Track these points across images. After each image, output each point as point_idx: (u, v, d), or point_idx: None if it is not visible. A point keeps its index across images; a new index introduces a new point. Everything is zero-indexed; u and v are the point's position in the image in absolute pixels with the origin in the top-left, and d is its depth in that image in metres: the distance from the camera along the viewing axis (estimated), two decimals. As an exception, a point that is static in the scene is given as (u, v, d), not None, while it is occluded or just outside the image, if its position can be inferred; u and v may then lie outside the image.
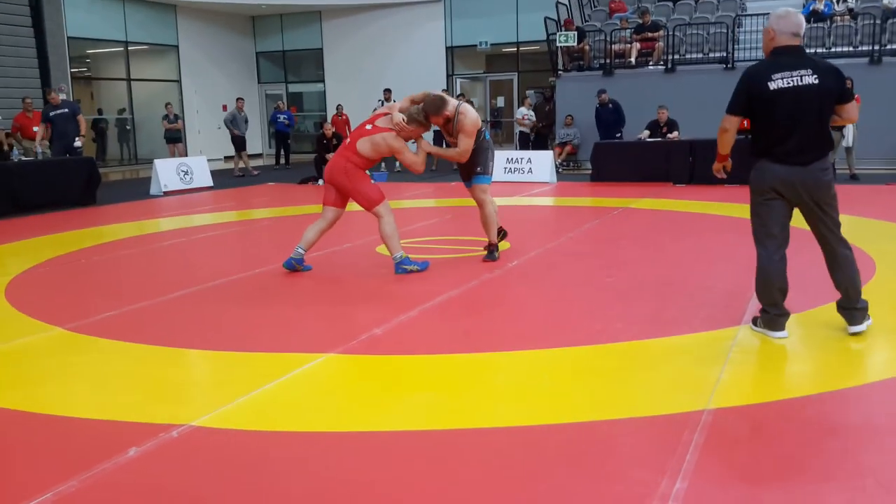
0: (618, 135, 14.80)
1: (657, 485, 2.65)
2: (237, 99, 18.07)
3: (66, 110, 12.38)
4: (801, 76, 3.96)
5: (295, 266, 6.32)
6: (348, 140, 6.36)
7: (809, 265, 5.14)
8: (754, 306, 4.86)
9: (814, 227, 4.17)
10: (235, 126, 17.09)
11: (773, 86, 3.96)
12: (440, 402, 3.52)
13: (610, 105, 14.94)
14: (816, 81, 3.96)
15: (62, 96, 13.27)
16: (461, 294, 5.48)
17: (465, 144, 6.21)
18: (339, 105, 19.30)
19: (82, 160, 12.40)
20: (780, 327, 4.24)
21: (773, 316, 4.24)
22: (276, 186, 14.25)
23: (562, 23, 17.26)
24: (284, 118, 18.70)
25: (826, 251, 4.22)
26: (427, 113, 6.08)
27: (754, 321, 4.42)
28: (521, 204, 10.78)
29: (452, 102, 6.23)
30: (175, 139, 17.17)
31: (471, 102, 16.97)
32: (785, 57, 4.02)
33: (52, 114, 12.23)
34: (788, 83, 3.95)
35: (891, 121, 13.79)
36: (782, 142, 4.00)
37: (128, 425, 3.29)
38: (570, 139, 16.24)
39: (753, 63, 4.18)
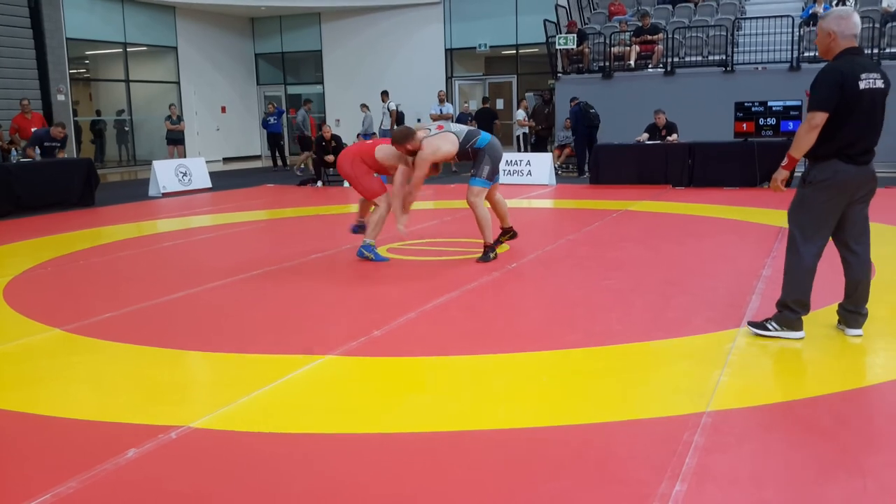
0: (567, 136, 15.91)
1: (657, 486, 2.65)
2: (304, 101, 18.10)
3: (58, 144, 12.25)
4: (875, 79, 4.02)
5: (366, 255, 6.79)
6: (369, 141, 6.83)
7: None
8: (754, 308, 4.88)
9: (853, 224, 4.22)
10: (305, 127, 17.20)
11: (861, 85, 3.97)
12: (440, 404, 3.52)
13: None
14: (883, 86, 4.06)
15: (60, 97, 13.27)
16: (461, 296, 5.48)
17: (414, 175, 6.44)
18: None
19: (82, 161, 12.38)
20: (801, 328, 4.25)
21: (797, 317, 4.23)
22: (274, 188, 14.25)
23: (561, 25, 17.28)
24: (273, 119, 18.70)
25: (846, 249, 4.26)
26: (393, 141, 6.43)
27: (762, 326, 4.31)
28: (521, 206, 10.79)
29: (420, 136, 6.46)
30: (177, 140, 17.16)
31: (460, 115, 17.03)
32: (861, 58, 4.07)
33: (46, 144, 12.05)
34: (867, 85, 3.99)
35: (889, 124, 13.72)
36: (856, 143, 4.03)
37: (127, 426, 3.28)
38: (570, 142, 16.25)
39: (831, 62, 4.08)
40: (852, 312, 4.29)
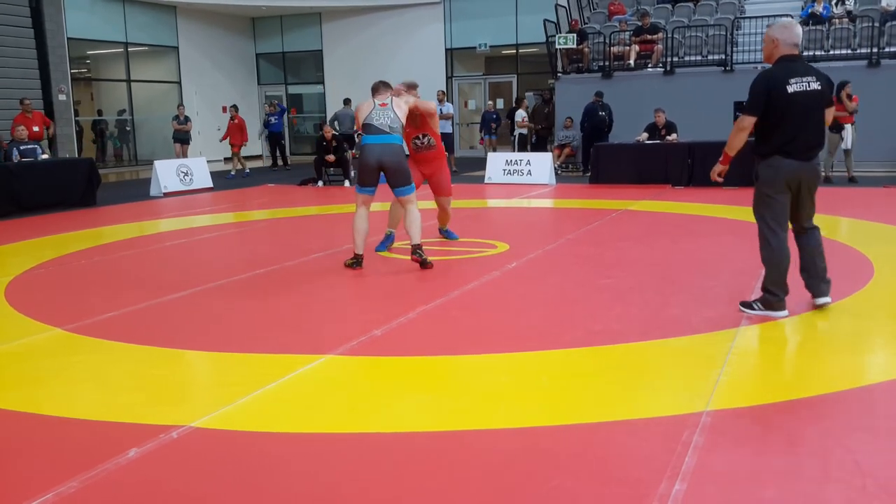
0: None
1: (657, 486, 2.66)
2: (346, 101, 17.78)
3: (35, 145, 12.23)
4: (809, 82, 4.46)
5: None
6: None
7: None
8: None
9: (799, 209, 4.62)
10: (341, 124, 17.22)
11: (790, 89, 4.42)
12: (440, 404, 3.52)
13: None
14: (819, 87, 4.48)
15: (61, 97, 13.25)
16: (461, 295, 5.48)
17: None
18: (235, 106, 18.04)
19: (83, 161, 12.39)
20: (784, 307, 4.61)
21: (779, 298, 4.59)
22: (275, 188, 14.26)
23: (561, 25, 17.28)
24: (274, 118, 18.69)
25: (799, 229, 4.69)
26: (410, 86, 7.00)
27: (749, 305, 4.72)
28: (521, 206, 10.79)
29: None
30: (184, 140, 17.19)
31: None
32: (794, 64, 4.51)
33: (22, 147, 12.06)
34: (800, 87, 4.43)
35: (888, 123, 13.81)
36: (793, 140, 4.46)
37: (128, 426, 3.29)
38: (570, 141, 16.25)
39: (767, 68, 4.63)
40: (816, 283, 4.65)
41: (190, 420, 3.31)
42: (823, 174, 12.02)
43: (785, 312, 4.59)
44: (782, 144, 4.46)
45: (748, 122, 4.51)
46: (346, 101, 17.64)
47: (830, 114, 4.65)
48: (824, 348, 4.19)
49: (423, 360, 4.11)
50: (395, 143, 6.25)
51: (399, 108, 6.33)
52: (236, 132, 17.17)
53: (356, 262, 6.46)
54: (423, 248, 6.39)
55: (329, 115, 22.18)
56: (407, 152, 6.64)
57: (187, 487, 2.78)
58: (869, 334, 4.43)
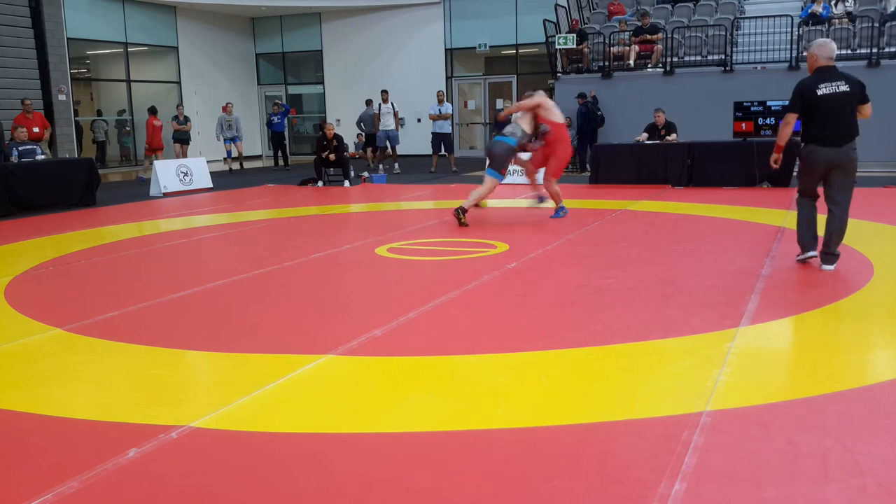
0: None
1: (656, 486, 2.66)
2: (367, 102, 17.53)
3: (35, 146, 12.27)
4: (838, 86, 5.70)
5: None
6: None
7: (808, 273, 5.15)
8: (753, 308, 4.90)
9: (833, 188, 5.76)
10: (365, 125, 17.26)
11: (819, 92, 5.68)
12: (440, 404, 3.52)
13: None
14: (847, 89, 5.69)
15: (61, 97, 13.24)
16: (460, 295, 5.49)
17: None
18: (153, 107, 17.53)
19: (83, 161, 12.39)
20: (814, 248, 5.93)
21: (810, 246, 5.90)
22: (275, 188, 14.26)
23: (560, 25, 17.29)
24: (278, 118, 18.68)
25: (829, 205, 5.78)
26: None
27: (799, 255, 6.02)
28: (521, 206, 10.79)
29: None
30: (183, 140, 17.14)
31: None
32: (826, 73, 5.77)
33: (20, 148, 12.05)
34: (829, 90, 5.68)
35: (888, 123, 13.80)
36: (824, 131, 5.68)
37: (127, 426, 3.29)
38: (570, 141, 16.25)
39: (805, 77, 5.88)
40: (827, 254, 5.80)
41: (190, 420, 3.31)
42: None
43: (814, 253, 5.89)
44: (815, 133, 5.69)
45: (790, 117, 5.81)
46: (368, 102, 17.61)
47: (867, 108, 5.78)
48: (824, 348, 4.19)
49: (423, 360, 4.11)
50: (506, 142, 8.68)
51: (522, 121, 8.85)
52: (157, 134, 16.77)
53: (462, 213, 8.46)
54: (464, 212, 8.54)
55: (329, 115, 22.29)
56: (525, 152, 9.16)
57: (187, 487, 2.78)
58: (869, 334, 4.43)
